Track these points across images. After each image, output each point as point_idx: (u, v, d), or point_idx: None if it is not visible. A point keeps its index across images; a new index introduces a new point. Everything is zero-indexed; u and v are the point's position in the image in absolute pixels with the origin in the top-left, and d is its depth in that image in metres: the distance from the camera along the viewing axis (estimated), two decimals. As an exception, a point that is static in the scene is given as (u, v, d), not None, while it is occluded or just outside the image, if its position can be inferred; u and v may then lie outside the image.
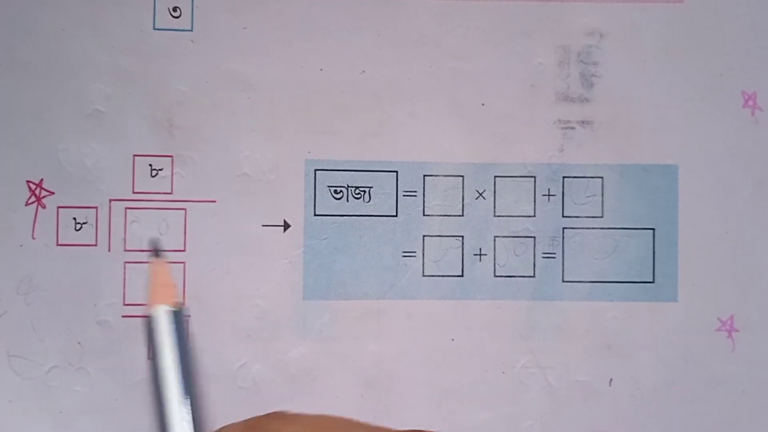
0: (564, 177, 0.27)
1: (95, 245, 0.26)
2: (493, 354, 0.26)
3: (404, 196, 0.27)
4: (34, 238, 0.25)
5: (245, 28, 0.26)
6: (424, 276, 0.27)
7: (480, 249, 0.27)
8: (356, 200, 0.27)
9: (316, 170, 0.26)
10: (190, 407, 0.19)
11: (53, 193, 0.26)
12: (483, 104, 0.27)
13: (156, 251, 0.20)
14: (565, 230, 0.27)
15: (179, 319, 0.18)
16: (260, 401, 0.26)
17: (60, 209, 0.26)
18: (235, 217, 0.26)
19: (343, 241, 0.26)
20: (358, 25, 0.27)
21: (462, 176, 0.27)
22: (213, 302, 0.26)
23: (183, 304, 0.18)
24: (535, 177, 0.27)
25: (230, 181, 0.26)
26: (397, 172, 0.27)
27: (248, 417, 0.26)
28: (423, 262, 0.27)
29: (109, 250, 0.26)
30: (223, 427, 0.20)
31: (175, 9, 0.26)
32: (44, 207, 0.26)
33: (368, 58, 0.27)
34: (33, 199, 0.26)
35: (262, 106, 0.26)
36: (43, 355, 0.25)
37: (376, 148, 0.27)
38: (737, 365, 0.27)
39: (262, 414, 0.21)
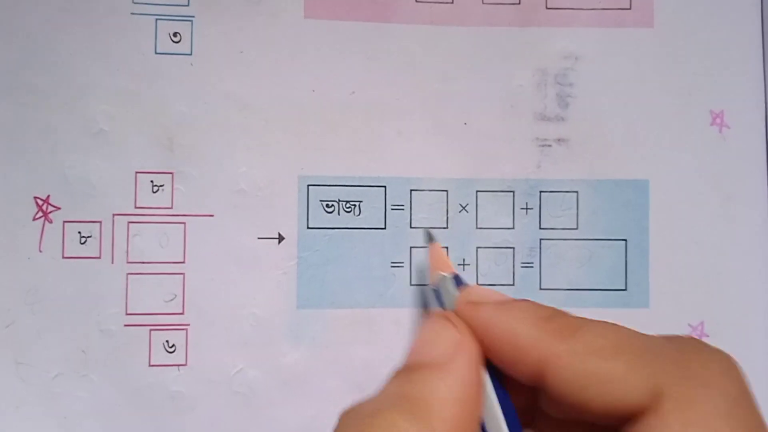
0: (541, 192, 0.28)
1: (99, 258, 0.26)
2: (476, 359, 0.27)
3: (392, 209, 0.27)
4: (41, 251, 0.26)
5: (241, 51, 0.27)
6: (411, 285, 0.27)
7: (463, 259, 0.28)
8: (347, 214, 0.27)
9: (308, 185, 0.27)
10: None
11: (59, 208, 0.26)
12: (465, 123, 0.28)
13: (430, 238, 0.26)
14: (542, 241, 0.28)
15: (457, 282, 0.21)
16: (255, 406, 0.27)
17: (66, 223, 0.26)
18: (232, 230, 0.27)
19: (335, 253, 0.27)
20: (348, 48, 0.27)
21: (446, 191, 0.28)
22: (211, 311, 0.27)
23: (457, 273, 0.22)
24: (514, 192, 0.28)
25: (227, 196, 0.27)
26: (385, 187, 0.27)
27: (243, 421, 0.27)
28: (410, 272, 0.27)
29: (112, 263, 0.26)
30: None
31: (175, 34, 0.27)
32: (51, 221, 0.26)
33: (357, 80, 0.28)
34: (40, 214, 0.26)
35: (257, 125, 0.27)
36: (49, 363, 0.26)
37: (365, 164, 0.27)
38: (708, 369, 0.28)
39: None
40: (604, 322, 0.17)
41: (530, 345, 0.17)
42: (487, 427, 0.18)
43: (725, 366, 0.16)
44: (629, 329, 0.17)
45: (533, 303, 0.18)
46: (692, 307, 0.28)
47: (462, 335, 0.18)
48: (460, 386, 0.17)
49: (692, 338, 0.17)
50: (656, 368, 0.15)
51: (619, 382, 0.15)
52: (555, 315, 0.18)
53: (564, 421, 0.18)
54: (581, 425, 0.17)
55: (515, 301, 0.19)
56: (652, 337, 0.17)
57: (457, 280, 0.22)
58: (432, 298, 0.23)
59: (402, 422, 0.15)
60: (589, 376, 0.16)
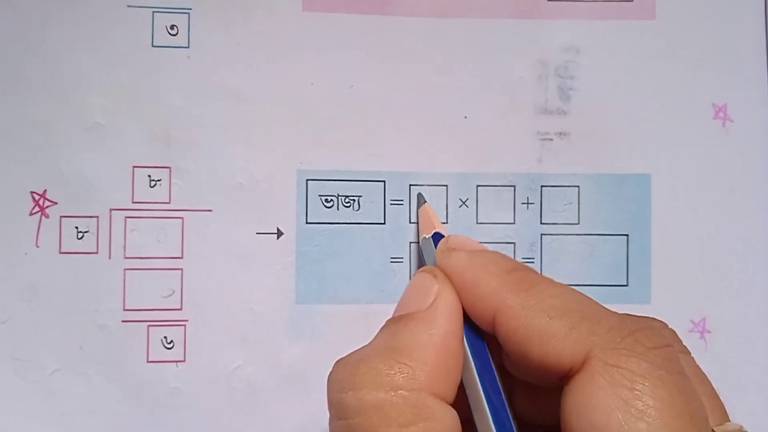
0: (542, 186, 0.28)
1: (96, 253, 0.26)
2: (476, 354, 0.27)
3: (391, 204, 0.27)
4: (37, 247, 0.26)
5: (239, 44, 0.27)
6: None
7: (464, 254, 0.28)
8: (346, 209, 0.27)
9: (307, 180, 0.27)
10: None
11: (56, 203, 0.26)
12: (465, 117, 0.28)
13: (420, 200, 0.27)
14: (543, 236, 0.28)
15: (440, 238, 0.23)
16: (254, 402, 0.27)
17: (62, 218, 0.26)
18: (230, 225, 0.27)
19: (334, 248, 0.27)
20: (346, 41, 0.27)
21: (446, 185, 0.28)
22: (209, 307, 0.27)
23: (445, 231, 0.24)
24: (514, 186, 0.28)
25: (225, 191, 0.27)
26: (384, 181, 0.27)
27: (241, 417, 0.27)
28: (410, 267, 0.27)
29: (109, 258, 0.26)
30: None
31: (172, 27, 0.27)
32: (47, 216, 0.26)
33: (356, 73, 0.27)
34: (37, 209, 0.26)
35: (255, 119, 0.27)
36: (46, 359, 0.26)
37: (364, 158, 0.27)
38: (710, 365, 0.27)
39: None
40: (561, 284, 0.19)
41: (488, 293, 0.18)
42: (465, 384, 0.19)
43: (659, 342, 0.17)
44: (583, 295, 0.18)
45: (502, 255, 0.20)
46: (694, 303, 0.28)
47: (441, 286, 0.19)
48: (441, 334, 0.18)
49: (651, 318, 0.18)
50: (592, 333, 0.17)
51: (557, 340, 0.17)
52: (517, 269, 0.19)
53: (534, 387, 0.19)
54: (547, 393, 0.19)
55: (487, 251, 0.20)
56: (601, 306, 0.18)
57: (440, 237, 0.23)
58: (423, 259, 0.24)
59: (384, 368, 0.17)
60: (533, 330, 0.17)
